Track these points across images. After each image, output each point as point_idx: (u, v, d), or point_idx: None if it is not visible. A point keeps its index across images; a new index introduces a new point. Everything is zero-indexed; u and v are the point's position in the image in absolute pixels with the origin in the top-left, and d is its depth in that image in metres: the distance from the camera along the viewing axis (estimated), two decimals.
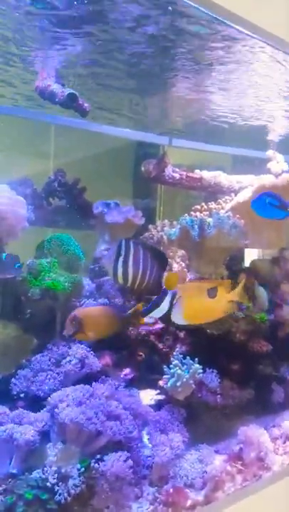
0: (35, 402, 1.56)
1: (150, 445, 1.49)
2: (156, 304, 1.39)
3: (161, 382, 1.78)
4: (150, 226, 2.35)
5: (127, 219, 2.24)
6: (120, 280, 1.37)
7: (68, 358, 1.63)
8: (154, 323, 1.80)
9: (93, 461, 1.31)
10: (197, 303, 1.42)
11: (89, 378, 1.61)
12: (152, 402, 1.83)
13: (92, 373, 1.64)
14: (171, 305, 1.37)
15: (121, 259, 1.35)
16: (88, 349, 1.68)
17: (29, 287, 1.78)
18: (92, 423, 1.33)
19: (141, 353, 1.91)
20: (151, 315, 1.40)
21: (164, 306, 1.37)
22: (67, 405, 1.35)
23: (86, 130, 2.79)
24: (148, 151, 3.06)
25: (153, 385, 1.85)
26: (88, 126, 2.78)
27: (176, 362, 1.58)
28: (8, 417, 1.37)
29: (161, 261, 1.42)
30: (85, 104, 1.83)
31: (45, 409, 1.42)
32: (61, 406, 1.34)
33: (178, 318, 1.40)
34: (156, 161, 2.51)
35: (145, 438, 1.51)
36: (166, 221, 2.29)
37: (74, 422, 1.31)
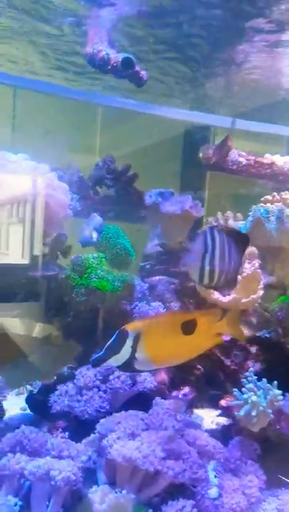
0: (79, 425, 1.32)
1: (218, 489, 1.20)
2: (114, 350, 1.05)
3: (223, 402, 1.50)
4: (210, 219, 2.04)
5: (184, 210, 1.95)
6: (206, 281, 1.07)
7: (117, 373, 1.36)
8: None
9: (150, 510, 1.03)
10: (167, 343, 1.10)
11: (142, 399, 1.35)
12: (214, 426, 1.55)
13: (146, 393, 1.37)
14: (134, 350, 1.05)
15: (208, 256, 1.04)
16: None
17: (73, 286, 1.53)
18: (150, 462, 1.05)
19: (199, 367, 1.62)
20: (107, 364, 1.05)
21: (125, 352, 1.04)
22: (118, 438, 1.07)
23: (133, 111, 2.55)
24: (199, 138, 2.77)
25: (213, 403, 1.56)
26: (137, 107, 2.52)
27: (250, 385, 1.27)
28: (45, 446, 1.11)
29: (243, 245, 1.09)
30: (142, 72, 1.56)
31: (90, 438, 1.16)
32: (111, 438, 1.07)
33: (144, 365, 1.07)
34: (217, 145, 2.20)
35: (213, 478, 1.21)
36: (228, 212, 1.98)
37: (127, 460, 1.04)
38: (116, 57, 1.53)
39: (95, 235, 1.71)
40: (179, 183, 2.83)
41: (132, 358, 1.05)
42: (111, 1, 1.49)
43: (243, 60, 1.98)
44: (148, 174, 2.41)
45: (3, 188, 1.48)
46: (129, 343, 1.04)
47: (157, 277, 1.89)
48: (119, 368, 1.09)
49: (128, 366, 1.06)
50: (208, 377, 1.62)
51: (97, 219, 1.70)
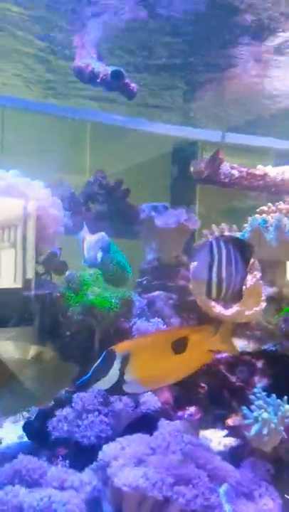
0: (80, 451, 1.24)
1: None
2: (101, 373, 1.00)
3: (230, 421, 1.44)
4: (205, 231, 2.00)
5: (179, 223, 1.91)
6: (215, 294, 1.02)
7: None
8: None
9: None
10: (158, 363, 1.05)
11: (146, 421, 1.28)
12: (221, 447, 1.48)
13: (150, 414, 1.30)
14: (122, 372, 1.00)
15: (215, 268, 0.99)
16: None
17: (68, 305, 1.47)
18: (158, 489, 0.98)
19: (203, 385, 1.56)
20: (94, 387, 1.01)
21: (113, 375, 0.99)
22: (124, 464, 1.00)
23: (122, 128, 2.54)
24: (189, 153, 2.77)
25: (219, 423, 1.50)
26: (125, 123, 2.51)
27: (260, 402, 1.21)
28: (45, 477, 1.04)
29: (248, 255, 1.04)
30: (132, 84, 1.53)
31: (93, 465, 1.08)
32: (115, 465, 1.00)
33: (133, 387, 1.02)
34: (209, 158, 2.18)
35: (225, 504, 1.14)
36: (223, 224, 1.95)
37: (134, 489, 0.96)
38: (105, 69, 1.51)
39: (99, 255, 1.65)
40: (169, 198, 2.81)
41: (121, 380, 0.99)
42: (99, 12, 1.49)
43: (234, 73, 1.98)
44: (138, 191, 2.39)
45: None
46: (116, 365, 0.98)
47: (156, 293, 1.84)
48: (107, 391, 1.03)
49: (116, 389, 1.00)
50: (212, 396, 1.56)
51: (104, 239, 1.64)
